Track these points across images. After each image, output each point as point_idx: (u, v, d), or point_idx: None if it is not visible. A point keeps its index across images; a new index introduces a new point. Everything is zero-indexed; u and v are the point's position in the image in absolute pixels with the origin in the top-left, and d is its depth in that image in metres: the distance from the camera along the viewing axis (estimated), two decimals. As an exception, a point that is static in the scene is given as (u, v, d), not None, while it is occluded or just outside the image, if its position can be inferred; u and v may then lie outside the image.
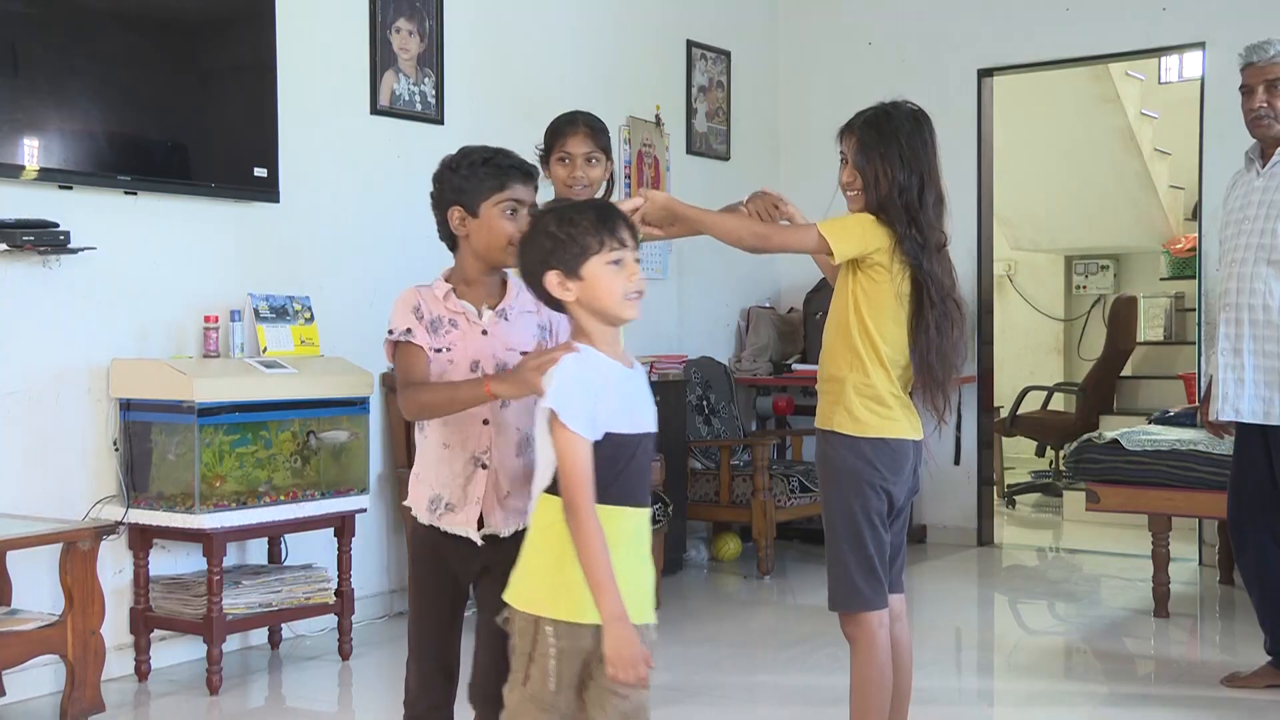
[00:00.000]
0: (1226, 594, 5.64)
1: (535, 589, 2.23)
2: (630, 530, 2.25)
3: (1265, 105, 4.00)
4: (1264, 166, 4.06)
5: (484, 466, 2.59)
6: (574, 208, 2.37)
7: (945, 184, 2.98)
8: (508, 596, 2.27)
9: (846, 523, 2.95)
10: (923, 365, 2.93)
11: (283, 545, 4.63)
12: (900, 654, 3.04)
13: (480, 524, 2.59)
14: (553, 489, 2.22)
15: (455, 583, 2.66)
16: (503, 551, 2.50)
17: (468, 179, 2.66)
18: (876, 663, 2.93)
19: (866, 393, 2.92)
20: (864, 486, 2.93)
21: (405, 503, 2.74)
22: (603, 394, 2.22)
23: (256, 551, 4.66)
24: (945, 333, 2.91)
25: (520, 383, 2.36)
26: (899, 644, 3.03)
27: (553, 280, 2.28)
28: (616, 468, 2.22)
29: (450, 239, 2.69)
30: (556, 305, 2.33)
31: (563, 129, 3.41)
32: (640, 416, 2.30)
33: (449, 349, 2.59)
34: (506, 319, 2.65)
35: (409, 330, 2.58)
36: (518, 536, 2.42)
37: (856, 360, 2.93)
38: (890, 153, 2.92)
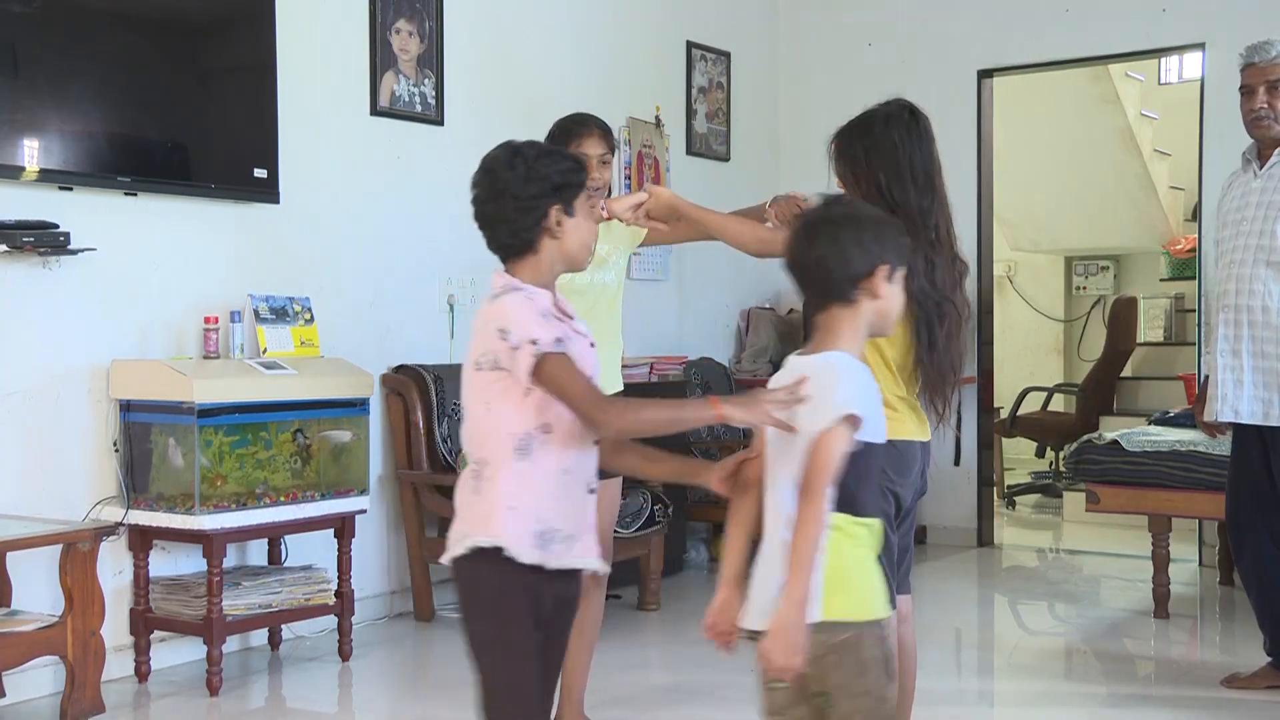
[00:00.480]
0: (1226, 595, 5.64)
1: (849, 598, 2.12)
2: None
3: (1266, 106, 3.99)
4: (1261, 168, 4.06)
5: (592, 492, 2.31)
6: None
7: (944, 181, 2.93)
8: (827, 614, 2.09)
9: None
10: (921, 367, 2.90)
11: (283, 546, 4.62)
12: (905, 656, 3.02)
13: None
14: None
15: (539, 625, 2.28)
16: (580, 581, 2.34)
17: (569, 174, 2.34)
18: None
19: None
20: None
21: (479, 542, 2.22)
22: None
23: (256, 552, 4.66)
24: (939, 334, 2.85)
25: (761, 413, 2.15)
26: (904, 646, 3.01)
27: (882, 274, 2.19)
28: (873, 476, 2.18)
29: (523, 245, 2.33)
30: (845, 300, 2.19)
31: (576, 131, 3.33)
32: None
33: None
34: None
35: (559, 340, 2.21)
36: None
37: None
38: (868, 154, 2.87)
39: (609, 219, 3.22)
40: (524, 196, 2.30)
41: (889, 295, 2.23)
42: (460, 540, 2.25)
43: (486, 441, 2.26)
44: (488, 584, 2.23)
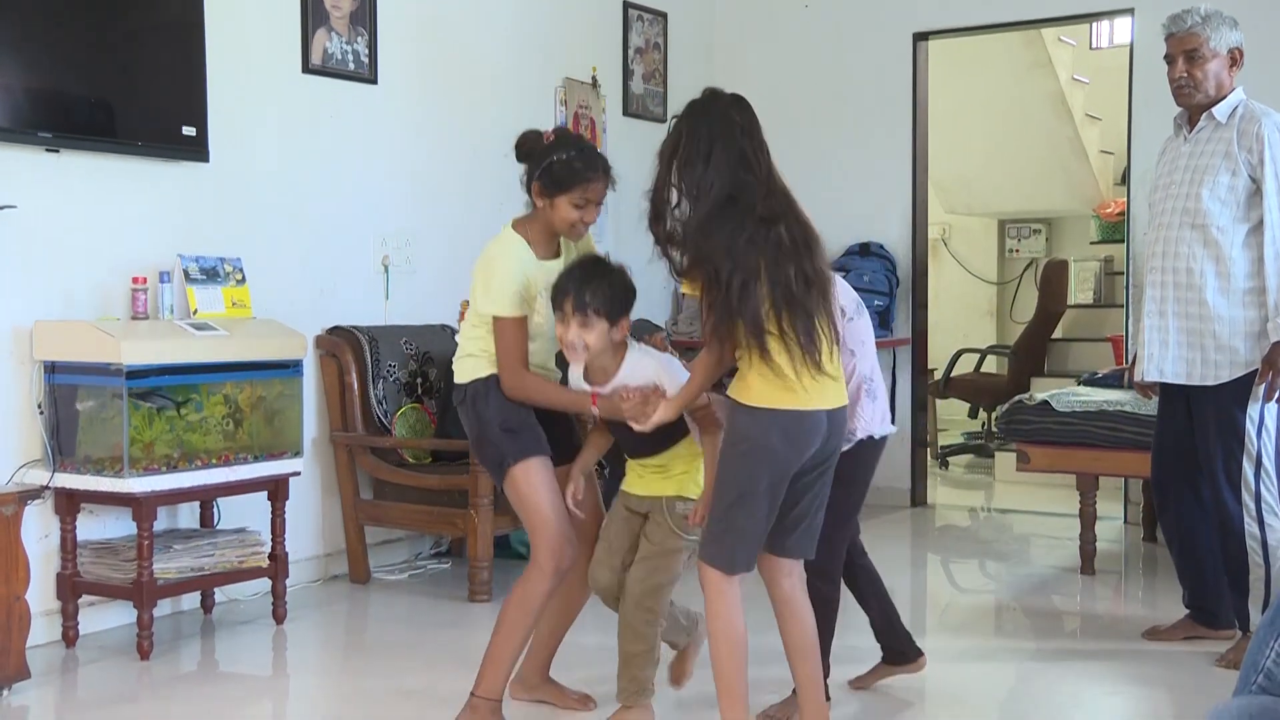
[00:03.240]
0: (1150, 551, 5.74)
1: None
2: None
3: (1185, 75, 4.02)
4: (1190, 132, 4.09)
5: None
6: None
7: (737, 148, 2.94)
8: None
9: (733, 485, 2.95)
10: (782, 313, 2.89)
11: (215, 509, 4.56)
12: (793, 609, 3.11)
13: None
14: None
15: None
16: None
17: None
18: (724, 616, 2.98)
19: (766, 371, 2.90)
20: (758, 452, 2.92)
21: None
22: None
23: (188, 516, 4.59)
24: (781, 269, 2.87)
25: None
26: (790, 600, 3.10)
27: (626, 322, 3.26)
28: None
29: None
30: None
31: (585, 175, 3.26)
32: None
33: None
34: None
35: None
36: None
37: (751, 349, 2.91)
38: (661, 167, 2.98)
39: (585, 188, 3.27)
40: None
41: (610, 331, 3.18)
42: None
43: None
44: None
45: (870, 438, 3.45)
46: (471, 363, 3.34)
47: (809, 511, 3.09)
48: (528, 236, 3.30)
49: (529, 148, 3.34)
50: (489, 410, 3.29)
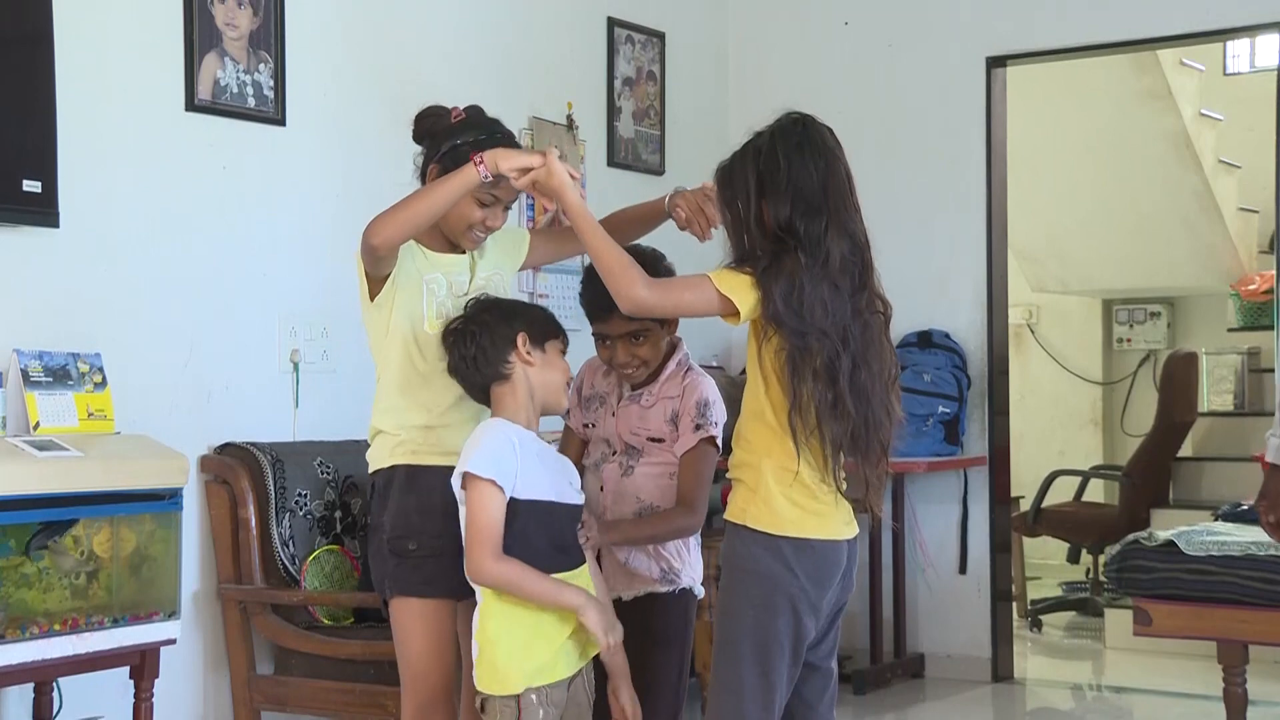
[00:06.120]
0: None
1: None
2: None
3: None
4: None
5: None
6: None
7: (851, 200, 3.20)
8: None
9: (753, 641, 3.05)
10: (825, 425, 3.09)
11: (55, 693, 4.50)
12: None
13: None
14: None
15: None
16: None
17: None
18: None
19: (789, 480, 2.99)
20: (779, 598, 3.04)
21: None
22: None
23: (17, 704, 4.53)
24: (840, 372, 3.08)
25: None
26: None
27: (522, 342, 3.32)
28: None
29: None
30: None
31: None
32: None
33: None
34: None
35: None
36: None
37: (775, 441, 3.05)
38: (756, 179, 3.16)
39: (494, 181, 3.38)
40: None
41: (543, 362, 3.35)
42: None
43: None
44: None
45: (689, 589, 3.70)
46: (379, 443, 3.54)
47: None
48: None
49: (430, 126, 3.55)
50: (384, 515, 3.48)
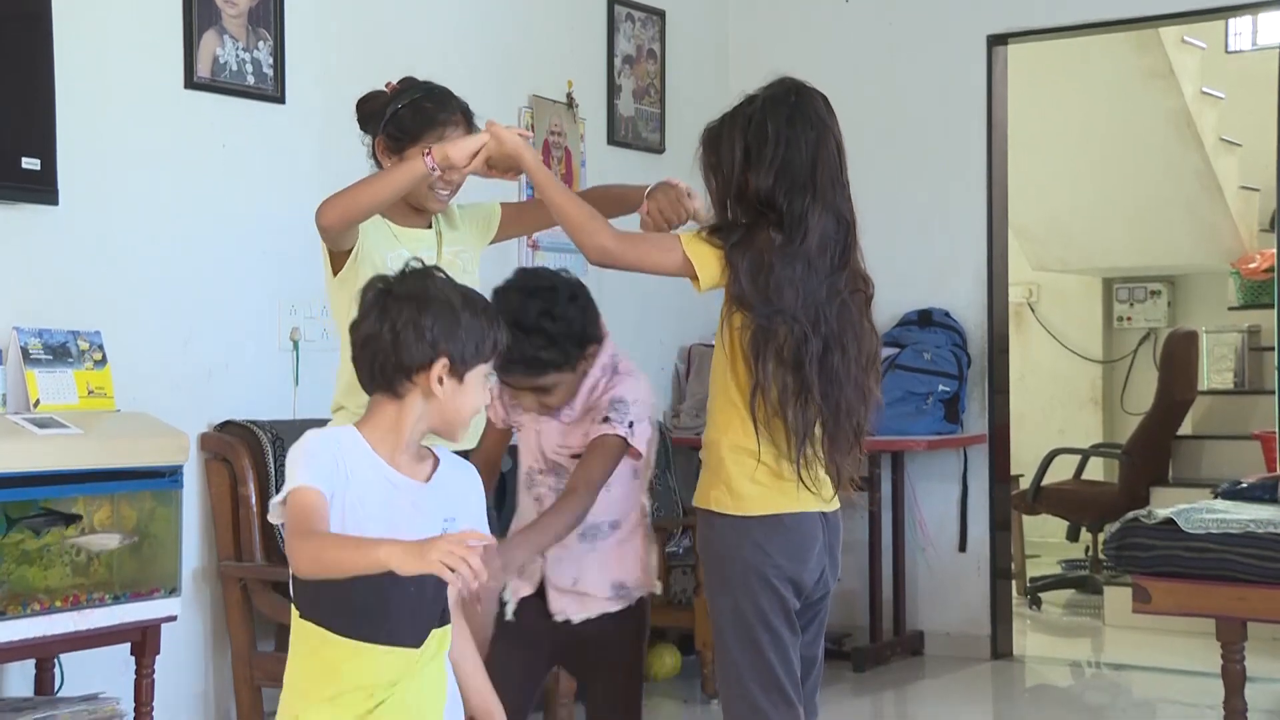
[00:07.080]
0: (1318, 722, 5.69)
1: None
2: None
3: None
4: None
5: None
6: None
7: (841, 177, 3.19)
8: None
9: (737, 627, 3.04)
10: (797, 406, 3.06)
11: (57, 669, 4.52)
12: None
13: None
14: None
15: None
16: None
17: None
18: None
19: (749, 461, 3.02)
20: (754, 579, 3.02)
21: None
22: None
23: (19, 680, 4.55)
24: (808, 357, 3.04)
25: None
26: None
27: (439, 368, 2.61)
28: None
29: None
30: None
31: (437, 118, 3.58)
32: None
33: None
34: None
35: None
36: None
37: (737, 420, 3.05)
38: (742, 148, 3.14)
39: (445, 177, 3.40)
40: None
41: (454, 393, 2.63)
42: None
43: None
44: None
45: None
46: (340, 420, 3.50)
47: None
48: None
49: (370, 108, 3.60)
50: None
